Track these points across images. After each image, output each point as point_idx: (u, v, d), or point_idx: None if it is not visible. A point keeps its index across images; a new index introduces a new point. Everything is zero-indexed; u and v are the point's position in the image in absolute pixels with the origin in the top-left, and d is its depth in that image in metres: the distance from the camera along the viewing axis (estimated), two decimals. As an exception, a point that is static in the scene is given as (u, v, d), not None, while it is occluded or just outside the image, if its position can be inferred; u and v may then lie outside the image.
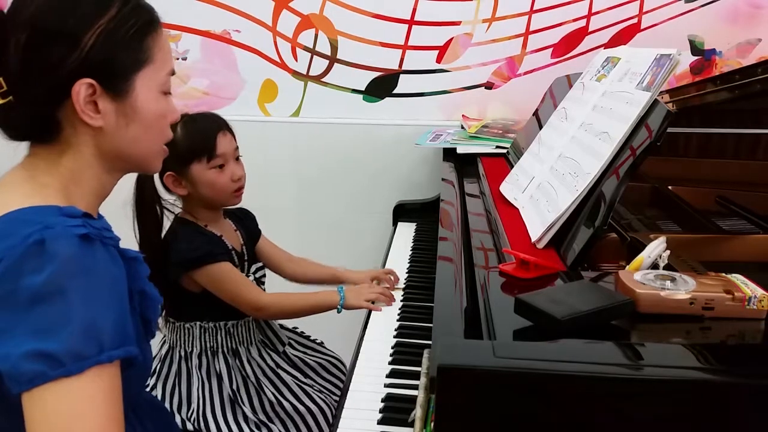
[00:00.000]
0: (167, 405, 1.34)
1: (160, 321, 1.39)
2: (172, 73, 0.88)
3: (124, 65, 0.81)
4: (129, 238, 1.23)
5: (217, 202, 1.40)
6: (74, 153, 0.83)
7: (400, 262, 1.60)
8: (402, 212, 1.94)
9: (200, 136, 1.33)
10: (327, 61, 2.10)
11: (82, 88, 0.78)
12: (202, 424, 1.31)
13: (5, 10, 0.79)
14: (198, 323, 1.37)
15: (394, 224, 1.91)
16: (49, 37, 0.77)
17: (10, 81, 0.78)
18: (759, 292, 0.76)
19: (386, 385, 1.08)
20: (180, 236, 1.35)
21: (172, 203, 1.39)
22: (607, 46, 1.99)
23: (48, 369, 0.69)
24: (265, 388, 1.37)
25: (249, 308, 1.36)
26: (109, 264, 0.76)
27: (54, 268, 0.71)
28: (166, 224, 1.38)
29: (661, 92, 1.17)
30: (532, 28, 2.02)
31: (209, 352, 1.37)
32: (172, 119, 0.90)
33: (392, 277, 1.48)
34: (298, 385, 1.41)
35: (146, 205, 1.32)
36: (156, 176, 1.32)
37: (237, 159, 1.39)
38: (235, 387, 1.35)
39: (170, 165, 1.29)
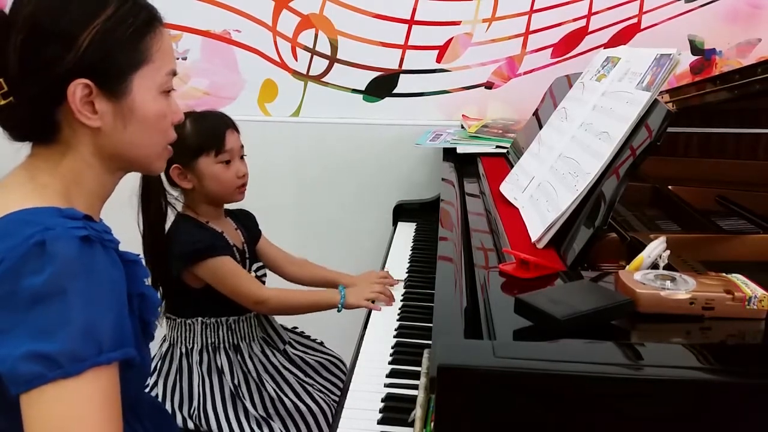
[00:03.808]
0: (168, 403, 1.34)
1: (160, 319, 1.40)
2: (174, 73, 0.88)
3: (120, 65, 0.81)
4: (132, 234, 1.23)
5: (221, 197, 1.41)
6: (74, 154, 0.82)
7: (400, 262, 1.60)
8: (402, 212, 1.94)
9: (210, 131, 1.36)
10: (327, 61, 2.10)
11: (77, 89, 0.78)
12: (202, 420, 1.31)
13: (5, 11, 0.79)
14: (199, 319, 1.38)
15: (394, 224, 1.91)
16: (45, 37, 0.77)
17: (10, 82, 0.78)
18: (759, 292, 0.76)
19: (386, 385, 1.08)
20: (182, 231, 1.37)
21: (175, 198, 1.40)
22: (607, 46, 1.99)
23: (46, 370, 0.69)
24: (266, 384, 1.38)
25: (250, 302, 1.37)
26: (108, 266, 0.76)
27: (54, 269, 0.71)
28: (169, 220, 1.39)
29: (661, 92, 1.17)
30: (532, 28, 2.02)
31: (210, 347, 1.38)
32: (175, 120, 0.89)
33: (390, 280, 1.48)
34: (299, 382, 1.42)
35: (151, 196, 1.34)
36: None
37: (242, 158, 1.41)
38: (236, 382, 1.36)
39: (177, 158, 1.30)
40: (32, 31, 0.77)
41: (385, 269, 1.54)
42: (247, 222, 1.52)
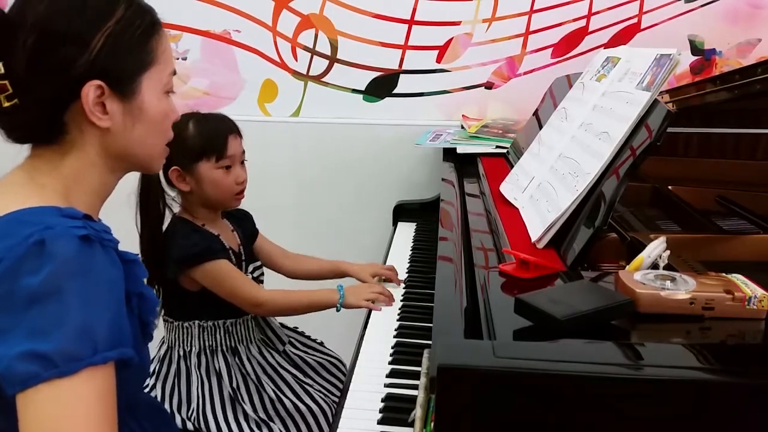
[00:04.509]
0: (167, 405, 1.34)
1: (159, 321, 1.39)
2: (174, 73, 0.89)
3: (131, 66, 0.82)
4: (130, 234, 1.23)
5: (218, 203, 1.40)
6: (78, 153, 0.83)
7: (400, 262, 1.60)
8: (402, 212, 1.94)
9: (212, 136, 1.34)
10: (327, 61, 2.10)
11: (91, 90, 0.79)
12: (202, 423, 1.31)
13: (9, 12, 0.79)
14: (197, 322, 1.37)
15: (394, 224, 1.91)
16: (57, 39, 0.78)
17: (17, 83, 0.78)
18: (759, 292, 0.76)
19: (386, 385, 1.08)
20: (178, 234, 1.35)
21: (172, 199, 1.40)
22: (607, 46, 1.99)
23: (41, 370, 0.69)
24: (265, 386, 1.37)
25: (248, 305, 1.36)
26: (107, 266, 0.76)
27: (52, 269, 0.71)
28: (166, 220, 1.38)
29: (661, 92, 1.17)
30: (532, 28, 2.02)
31: (208, 350, 1.37)
32: (174, 119, 0.91)
33: (394, 273, 1.48)
34: (298, 383, 1.41)
35: (150, 197, 1.33)
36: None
37: (242, 163, 1.40)
38: (235, 385, 1.36)
39: (177, 160, 1.30)
40: (45, 33, 0.77)
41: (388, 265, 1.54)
42: (243, 222, 1.51)
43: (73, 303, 0.71)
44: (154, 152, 0.90)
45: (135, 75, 0.83)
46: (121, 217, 1.17)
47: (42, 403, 0.69)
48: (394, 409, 1.01)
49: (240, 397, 1.34)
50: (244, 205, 1.46)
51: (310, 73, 2.12)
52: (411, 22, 2.04)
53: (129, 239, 1.07)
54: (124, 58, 0.81)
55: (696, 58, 2.00)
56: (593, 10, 1.99)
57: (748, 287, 0.77)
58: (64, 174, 0.82)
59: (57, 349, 0.69)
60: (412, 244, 1.73)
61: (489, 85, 2.08)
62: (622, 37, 1.99)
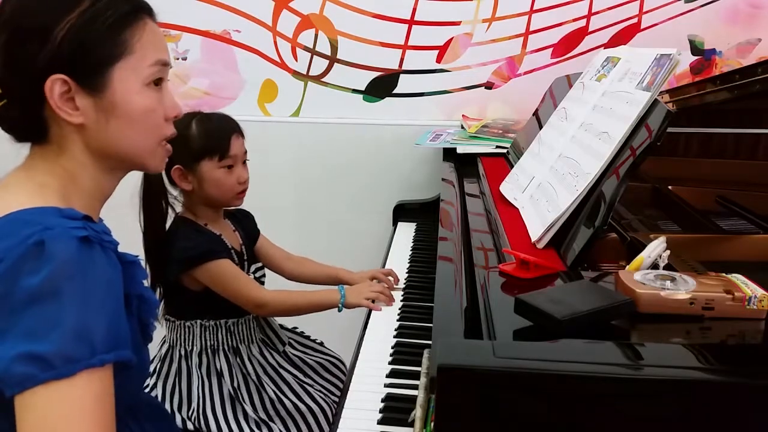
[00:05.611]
0: (167, 404, 1.34)
1: (160, 320, 1.39)
2: (164, 63, 0.85)
3: (97, 59, 0.80)
4: (132, 235, 1.23)
5: (220, 202, 1.40)
6: (67, 152, 0.82)
7: (400, 262, 1.60)
8: (402, 212, 1.94)
9: (215, 135, 1.35)
10: (327, 61, 2.10)
11: (55, 85, 0.78)
12: (202, 423, 1.31)
13: None
14: (198, 321, 1.37)
15: (394, 224, 1.91)
16: (24, 34, 0.77)
17: (1, 84, 0.78)
18: (759, 292, 0.76)
19: (386, 385, 1.08)
20: (180, 235, 1.36)
21: (174, 198, 1.40)
22: (607, 46, 1.99)
23: (38, 371, 0.68)
24: (265, 386, 1.37)
25: (250, 305, 1.36)
26: (106, 267, 0.75)
27: (51, 270, 0.70)
28: (169, 219, 1.38)
29: (661, 92, 1.17)
30: (532, 28, 2.02)
31: (209, 350, 1.37)
32: (171, 114, 0.87)
33: (392, 278, 1.48)
34: (298, 383, 1.41)
35: (152, 197, 1.33)
36: None
37: (244, 163, 1.40)
38: (235, 385, 1.36)
39: (180, 159, 1.30)
40: (13, 30, 0.78)
41: (386, 269, 1.54)
42: (245, 223, 1.51)
43: (72, 304, 0.70)
44: (139, 150, 0.85)
45: (103, 68, 0.80)
46: (124, 218, 1.17)
47: (39, 405, 0.69)
48: (394, 409, 1.00)
49: (240, 397, 1.34)
50: (244, 204, 1.46)
51: (310, 73, 2.12)
52: (411, 22, 2.04)
53: (131, 240, 1.07)
54: (88, 50, 0.79)
55: (696, 58, 2.00)
56: (593, 10, 1.99)
57: (748, 287, 0.77)
58: (60, 173, 0.82)
59: (54, 351, 0.69)
60: (412, 244, 1.73)
61: (489, 85, 2.08)
62: (622, 37, 1.99)
